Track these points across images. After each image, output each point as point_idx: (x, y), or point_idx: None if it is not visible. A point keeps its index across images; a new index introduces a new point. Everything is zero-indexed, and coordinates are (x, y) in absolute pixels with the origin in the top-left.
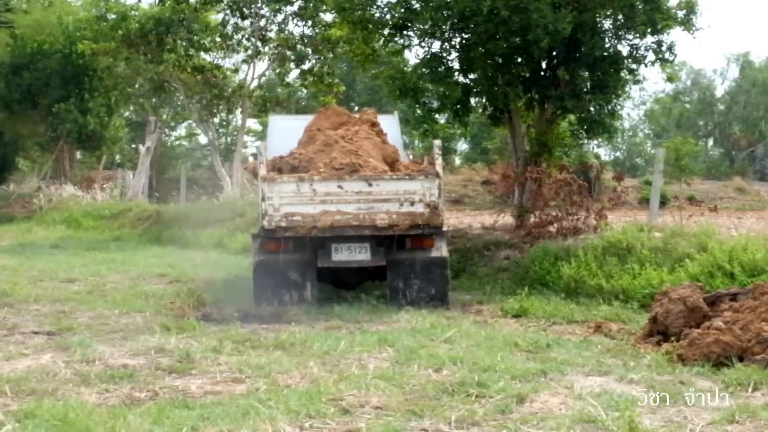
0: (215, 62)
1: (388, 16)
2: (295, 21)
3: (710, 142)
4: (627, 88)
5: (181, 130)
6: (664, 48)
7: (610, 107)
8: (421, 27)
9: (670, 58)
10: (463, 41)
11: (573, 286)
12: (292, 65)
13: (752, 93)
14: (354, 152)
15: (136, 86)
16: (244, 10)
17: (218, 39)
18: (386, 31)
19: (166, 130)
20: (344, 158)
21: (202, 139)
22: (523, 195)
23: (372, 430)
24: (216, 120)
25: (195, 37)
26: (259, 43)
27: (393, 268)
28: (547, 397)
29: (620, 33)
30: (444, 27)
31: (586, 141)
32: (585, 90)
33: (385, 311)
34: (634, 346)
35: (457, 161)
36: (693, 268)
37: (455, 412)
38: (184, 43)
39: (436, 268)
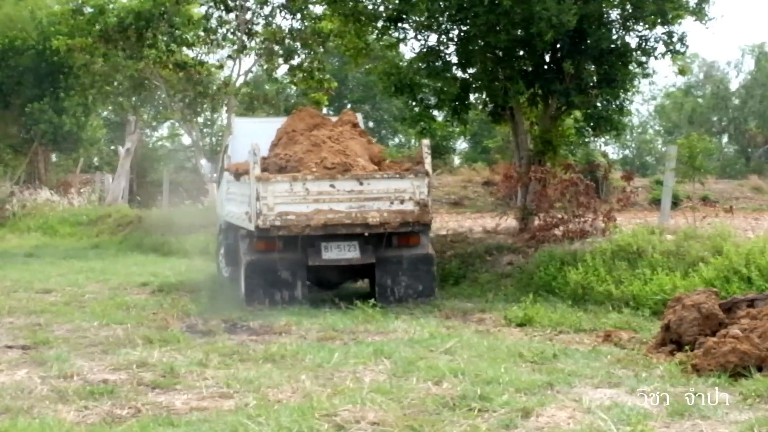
0: (199, 58)
1: (381, 8)
2: (283, 13)
3: (724, 139)
4: (636, 82)
5: (163, 131)
6: (675, 39)
7: (618, 102)
8: (417, 19)
9: (682, 50)
10: (462, 34)
11: (580, 292)
12: (280, 60)
13: None
14: (342, 152)
15: (115, 84)
16: (229, 2)
17: (201, 33)
18: (380, 24)
19: (147, 131)
20: (335, 158)
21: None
22: (526, 196)
23: None
24: (200, 119)
25: (177, 31)
26: (245, 38)
27: (381, 266)
28: (554, 411)
29: (628, 24)
30: (441, 19)
31: (592, 138)
32: (591, 84)
33: (381, 321)
34: (646, 356)
35: (457, 161)
36: (707, 273)
37: (456, 427)
38: (165, 38)
39: (423, 264)
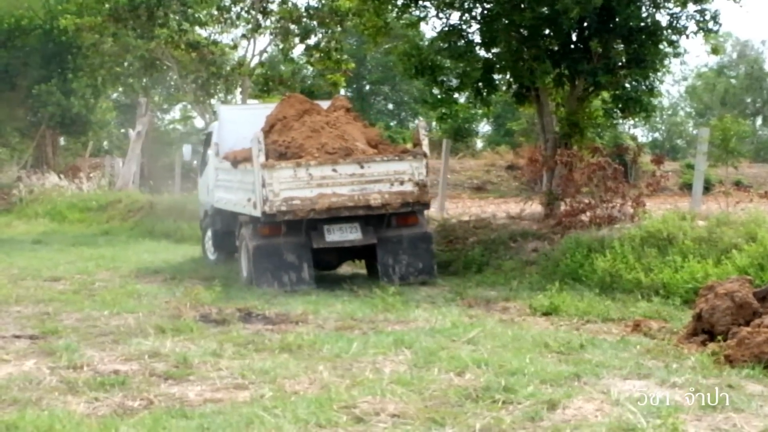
0: (212, 38)
1: None
2: None
3: (758, 121)
4: (666, 62)
5: (175, 113)
6: (707, 17)
7: (647, 83)
8: None
9: (714, 29)
10: (485, 12)
11: (608, 280)
12: (296, 40)
13: None
14: (341, 137)
15: (125, 65)
16: None
17: (215, 12)
18: (400, 2)
19: (159, 113)
20: (335, 143)
21: (198, 123)
22: (552, 181)
23: None
24: (213, 101)
25: (189, 10)
26: (259, 16)
27: (382, 246)
28: (581, 403)
29: (659, 1)
30: None
31: (621, 120)
32: (620, 64)
33: (402, 310)
34: (677, 347)
35: (479, 144)
36: (741, 260)
37: (480, 419)
38: (177, 17)
39: (423, 243)
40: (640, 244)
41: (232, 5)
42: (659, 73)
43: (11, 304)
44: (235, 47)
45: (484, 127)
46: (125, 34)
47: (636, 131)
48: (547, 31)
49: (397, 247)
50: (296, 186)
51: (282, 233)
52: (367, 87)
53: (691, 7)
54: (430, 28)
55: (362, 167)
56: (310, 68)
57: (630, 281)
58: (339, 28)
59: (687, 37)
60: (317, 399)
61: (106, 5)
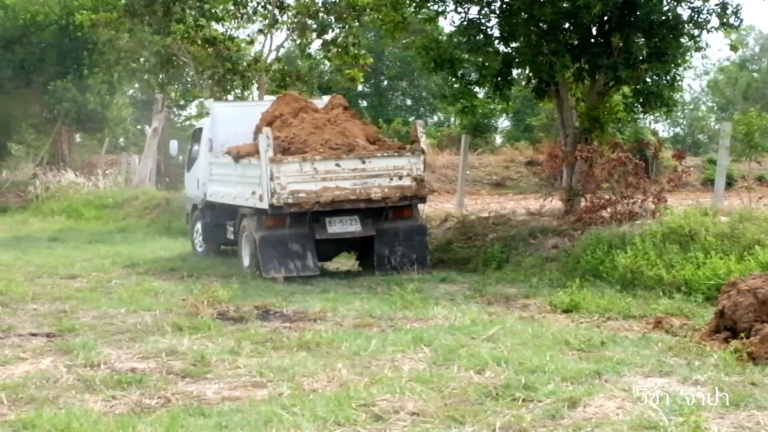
0: (228, 33)
1: None
2: None
3: None
4: (688, 56)
5: (192, 109)
6: (729, 11)
7: (668, 77)
8: None
9: (736, 23)
10: (504, 6)
11: (629, 277)
12: (313, 35)
13: None
14: (342, 133)
15: (141, 61)
16: None
17: (231, 7)
18: None
19: (175, 109)
20: (337, 139)
21: None
22: (572, 176)
23: None
24: (230, 97)
25: (206, 5)
26: (276, 11)
27: (379, 237)
28: (602, 401)
29: None
30: None
31: (642, 115)
32: (641, 59)
33: (421, 307)
34: (699, 344)
35: (498, 140)
36: (764, 256)
37: (500, 418)
38: (193, 12)
39: (417, 235)
40: (661, 241)
41: (249, 0)
42: (680, 68)
43: (28, 301)
44: (251, 42)
45: (503, 123)
46: (141, 30)
47: (657, 126)
48: (567, 26)
49: (393, 239)
50: (302, 179)
51: (286, 224)
52: (385, 82)
53: (713, 1)
54: (448, 23)
55: (364, 162)
56: (328, 63)
57: (651, 278)
58: (356, 23)
59: (708, 31)
60: (336, 397)
61: (122, 0)
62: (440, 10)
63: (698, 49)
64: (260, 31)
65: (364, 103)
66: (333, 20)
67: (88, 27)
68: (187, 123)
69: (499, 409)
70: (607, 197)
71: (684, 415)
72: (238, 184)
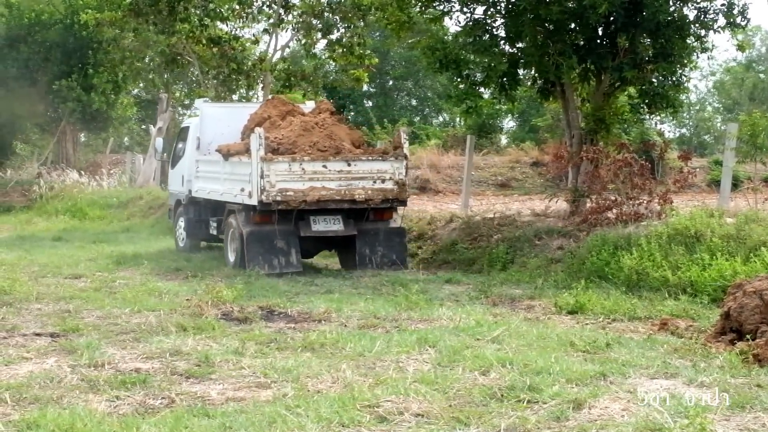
0: (233, 33)
1: None
2: None
3: None
4: (694, 57)
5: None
6: (735, 11)
7: (674, 78)
8: None
9: (743, 23)
10: (510, 6)
11: (635, 278)
12: (318, 35)
13: None
14: (330, 137)
15: (146, 60)
16: None
17: (236, 6)
18: None
19: (180, 109)
20: (325, 141)
21: None
22: (577, 177)
23: None
24: (235, 97)
25: (210, 4)
26: (281, 11)
27: (361, 237)
28: (607, 403)
29: None
30: None
31: (647, 116)
32: (647, 59)
33: (425, 308)
34: (705, 346)
35: (504, 141)
36: None
37: (505, 419)
38: (198, 12)
39: (396, 236)
40: (667, 242)
41: (254, 0)
42: (686, 68)
43: (32, 301)
44: (256, 42)
45: (509, 124)
46: (146, 29)
47: (663, 127)
48: (573, 26)
49: (374, 239)
50: (290, 179)
51: (274, 221)
52: (390, 82)
53: (719, 1)
54: (454, 23)
55: (349, 165)
56: (333, 63)
57: (657, 279)
58: (362, 23)
59: (715, 31)
60: (340, 398)
61: (127, 0)
62: (446, 10)
63: (704, 49)
64: (265, 30)
65: (369, 104)
66: (338, 20)
67: (93, 26)
68: None
69: (503, 410)
70: (612, 198)
71: (689, 417)
72: (226, 181)
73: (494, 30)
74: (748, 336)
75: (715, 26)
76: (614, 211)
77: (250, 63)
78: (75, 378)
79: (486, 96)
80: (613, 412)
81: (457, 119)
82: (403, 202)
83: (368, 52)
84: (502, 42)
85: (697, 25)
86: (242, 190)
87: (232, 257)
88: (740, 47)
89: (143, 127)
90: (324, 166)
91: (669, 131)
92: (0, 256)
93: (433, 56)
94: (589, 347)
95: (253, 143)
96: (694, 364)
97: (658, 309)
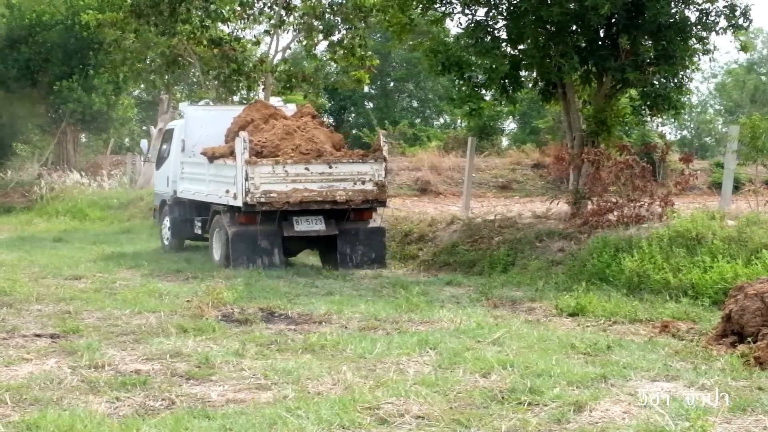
0: (234, 34)
1: None
2: None
3: None
4: (695, 59)
5: None
6: (737, 13)
7: (676, 80)
8: None
9: (745, 25)
10: (512, 8)
11: (636, 281)
12: (319, 36)
13: None
14: (311, 140)
15: (147, 61)
16: None
17: (237, 8)
18: None
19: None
20: (307, 144)
21: None
22: (579, 179)
23: None
24: (236, 98)
25: (212, 5)
26: (282, 12)
27: (342, 237)
28: (608, 405)
29: None
30: None
31: (649, 118)
32: (648, 61)
33: (426, 310)
34: (706, 348)
35: (505, 143)
36: None
37: (505, 421)
38: (199, 13)
39: (376, 236)
40: (668, 244)
41: (255, 1)
42: (688, 70)
43: (32, 302)
44: (257, 43)
45: (510, 125)
46: (147, 30)
47: (664, 129)
48: (574, 28)
49: (354, 239)
50: (274, 181)
51: (257, 222)
52: (392, 84)
53: (721, 3)
54: (455, 25)
55: (331, 167)
56: (334, 65)
57: (658, 282)
58: (363, 25)
59: (717, 33)
60: (341, 400)
61: (128, 1)
62: (447, 11)
63: (706, 51)
64: (266, 32)
65: (370, 105)
66: (339, 21)
67: (93, 27)
68: None
69: (504, 412)
70: (613, 200)
71: (690, 420)
72: (211, 182)
73: (496, 32)
74: (749, 338)
75: (717, 28)
76: (615, 213)
77: (251, 64)
78: (75, 379)
79: (487, 98)
80: (614, 414)
81: (458, 121)
82: (383, 203)
83: (369, 53)
84: (503, 44)
85: (698, 26)
86: (227, 191)
87: (217, 256)
88: (743, 48)
89: (144, 128)
90: (306, 169)
91: (670, 133)
92: (0, 256)
93: (434, 58)
94: (590, 349)
95: (238, 147)
96: (695, 367)
97: (659, 311)
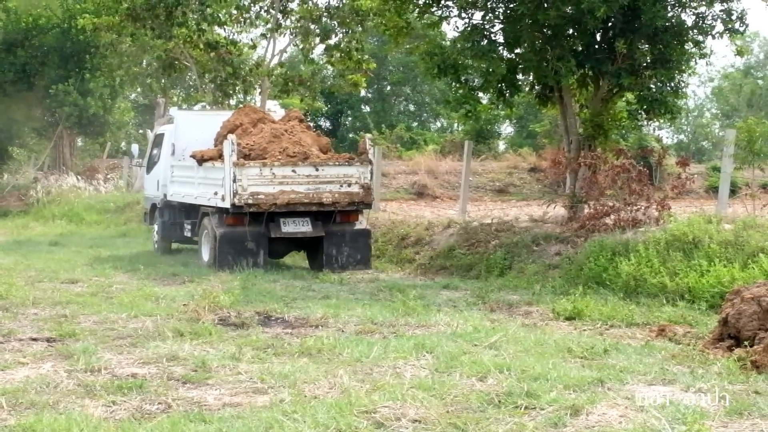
0: (231, 37)
1: None
2: None
3: None
4: (692, 63)
5: None
6: (734, 17)
7: (673, 84)
8: None
9: (741, 29)
10: (509, 11)
11: (633, 284)
12: (316, 40)
13: None
14: (298, 143)
15: (143, 65)
16: None
17: (234, 11)
18: (421, 1)
19: None
20: (294, 148)
21: None
22: (575, 183)
23: None
24: (232, 102)
25: (208, 9)
26: (279, 16)
27: (328, 238)
28: (604, 409)
29: (684, 0)
30: None
31: (646, 122)
32: (645, 65)
33: (423, 313)
34: (702, 352)
35: (502, 146)
36: None
37: (502, 425)
38: (195, 17)
39: (362, 237)
40: (665, 248)
41: (252, 4)
42: (685, 74)
43: (28, 306)
44: (254, 47)
45: (507, 129)
46: (143, 34)
47: (661, 133)
48: (571, 31)
49: (340, 240)
50: (261, 183)
51: (245, 223)
52: (388, 88)
53: (718, 7)
54: (452, 28)
55: (317, 170)
56: (331, 68)
57: (655, 285)
58: (360, 28)
59: (713, 37)
60: (337, 404)
61: (124, 4)
62: (444, 15)
63: (703, 55)
64: (263, 35)
65: (367, 109)
66: (336, 25)
67: (90, 31)
68: None
69: (501, 416)
70: (610, 204)
71: (687, 424)
72: (200, 185)
73: (492, 35)
74: (746, 342)
75: (713, 32)
76: (612, 217)
77: (247, 68)
78: (71, 383)
79: (484, 101)
80: (611, 418)
81: (455, 125)
82: (368, 205)
83: (366, 57)
84: (500, 47)
85: (695, 30)
86: (215, 193)
87: (206, 257)
88: (739, 52)
89: (141, 131)
90: (293, 171)
91: (667, 137)
92: None
93: (431, 61)
94: (586, 353)
95: (226, 149)
96: (691, 371)
97: (655, 315)
